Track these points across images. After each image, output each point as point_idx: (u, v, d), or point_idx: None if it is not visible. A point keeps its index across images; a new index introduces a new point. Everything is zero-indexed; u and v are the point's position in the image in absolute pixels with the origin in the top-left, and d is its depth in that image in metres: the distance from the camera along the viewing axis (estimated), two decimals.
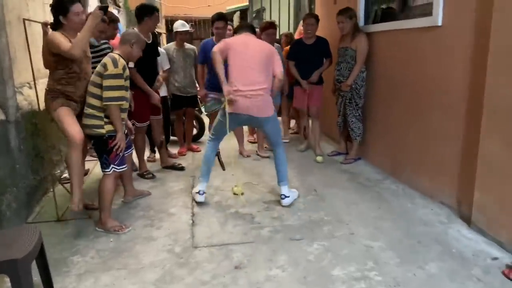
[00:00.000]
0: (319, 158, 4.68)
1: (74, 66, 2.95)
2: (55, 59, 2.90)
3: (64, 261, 2.63)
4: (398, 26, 3.87)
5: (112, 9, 8.46)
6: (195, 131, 5.71)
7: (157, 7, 4.00)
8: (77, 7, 2.93)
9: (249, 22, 9.53)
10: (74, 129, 2.93)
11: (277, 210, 3.38)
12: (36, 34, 3.53)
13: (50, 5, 2.96)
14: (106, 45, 3.76)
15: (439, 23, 3.27)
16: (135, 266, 2.58)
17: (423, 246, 2.77)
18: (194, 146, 5.34)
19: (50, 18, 3.74)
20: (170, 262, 2.62)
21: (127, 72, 2.98)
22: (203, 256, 2.69)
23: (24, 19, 3.14)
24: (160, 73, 4.42)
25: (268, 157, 4.79)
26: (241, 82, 3.27)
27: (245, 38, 3.47)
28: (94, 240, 2.94)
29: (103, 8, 2.95)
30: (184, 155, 5.01)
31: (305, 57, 4.65)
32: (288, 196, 3.45)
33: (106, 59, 2.90)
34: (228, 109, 3.27)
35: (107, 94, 2.84)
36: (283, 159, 3.51)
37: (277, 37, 5.91)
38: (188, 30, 4.92)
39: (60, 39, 2.84)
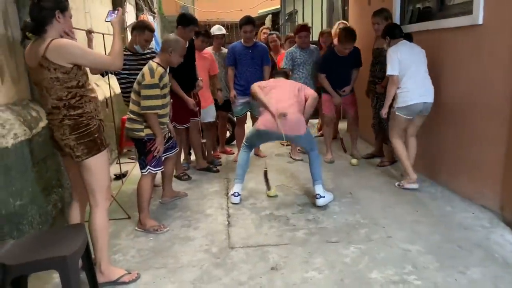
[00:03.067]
0: (354, 161, 4.64)
1: (84, 78, 2.30)
2: (66, 75, 2.18)
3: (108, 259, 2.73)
4: (436, 25, 3.78)
5: (148, 16, 8.71)
6: (228, 134, 5.77)
7: (195, 21, 4.07)
8: (70, 9, 2.32)
9: (280, 24, 9.56)
10: (108, 184, 2.45)
11: (312, 213, 3.37)
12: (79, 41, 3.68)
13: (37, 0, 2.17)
14: (151, 53, 3.87)
15: (480, 22, 3.19)
16: (174, 265, 2.64)
17: (464, 251, 2.70)
18: (228, 149, 5.41)
19: (92, 26, 3.91)
20: (208, 262, 2.67)
21: (165, 80, 3.07)
22: (239, 257, 2.73)
23: None
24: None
25: (301, 160, 4.79)
26: (276, 105, 3.46)
27: (277, 79, 3.83)
28: (134, 239, 3.03)
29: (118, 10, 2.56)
30: (219, 158, 5.08)
31: (337, 69, 4.59)
32: (323, 196, 3.45)
33: (145, 69, 3.02)
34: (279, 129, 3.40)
35: (144, 103, 2.96)
36: (317, 160, 3.53)
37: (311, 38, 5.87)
38: (224, 34, 5.00)
39: (87, 48, 2.40)
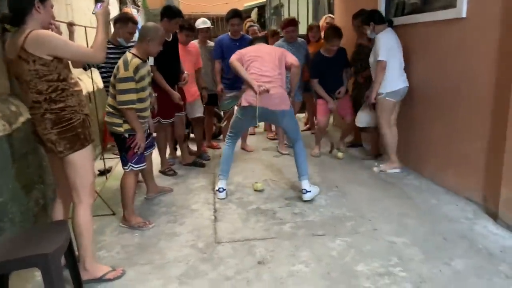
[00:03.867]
0: (340, 155, 4.65)
1: (65, 72, 2.22)
2: (46, 68, 2.10)
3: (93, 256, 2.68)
4: (421, 19, 3.80)
5: (131, 9, 8.57)
6: (214, 129, 5.73)
7: (180, 13, 4.01)
8: None
9: (266, 17, 9.52)
10: (92, 180, 2.39)
11: (298, 206, 3.37)
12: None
13: None
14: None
15: (464, 15, 3.21)
16: (160, 261, 2.61)
17: (448, 242, 2.73)
18: (214, 143, 5.38)
19: (74, 19, 3.82)
20: (194, 258, 2.64)
21: (142, 72, 2.91)
22: (226, 251, 2.71)
23: None
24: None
25: (288, 154, 4.78)
26: (259, 79, 3.35)
27: (257, 46, 3.64)
28: (119, 236, 2.99)
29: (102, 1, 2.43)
30: (206, 152, 5.04)
31: (328, 71, 4.51)
32: (310, 191, 3.44)
33: (120, 61, 2.90)
34: (258, 103, 3.30)
35: (119, 98, 2.85)
36: (302, 154, 3.50)
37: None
38: (209, 27, 4.94)
39: (68, 40, 2.30)
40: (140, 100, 2.96)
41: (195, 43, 4.75)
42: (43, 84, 2.12)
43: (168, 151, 4.60)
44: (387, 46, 3.81)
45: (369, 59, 4.06)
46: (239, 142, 4.91)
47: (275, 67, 3.43)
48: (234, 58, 3.51)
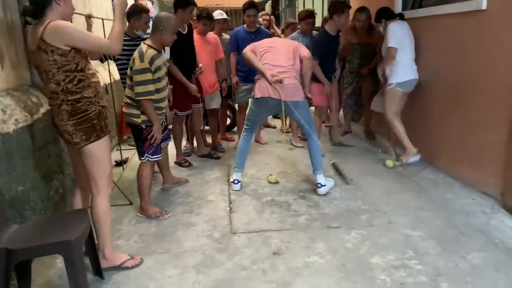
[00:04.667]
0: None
1: (83, 62, 2.26)
2: (64, 58, 2.14)
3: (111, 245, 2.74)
4: (439, 11, 3.75)
5: (146, 2, 8.61)
6: (229, 121, 5.76)
7: (193, 1, 4.02)
8: None
9: (281, 10, 9.46)
10: (110, 171, 2.43)
11: (313, 199, 3.38)
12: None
13: None
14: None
15: (484, 7, 3.15)
16: (177, 251, 2.66)
17: (465, 236, 2.71)
18: (228, 136, 5.40)
19: (92, 12, 3.86)
20: (210, 247, 2.68)
21: (157, 63, 2.92)
22: (242, 242, 2.74)
23: None
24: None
25: (302, 147, 4.78)
26: (271, 71, 3.36)
27: (270, 39, 3.72)
28: (136, 225, 3.04)
29: None
30: (220, 145, 5.06)
31: (330, 52, 4.35)
32: (324, 185, 3.45)
33: (135, 53, 2.91)
34: (272, 94, 3.33)
35: (136, 89, 2.88)
36: (317, 147, 3.49)
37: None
38: (226, 18, 4.95)
39: (86, 31, 2.38)
40: (158, 91, 2.98)
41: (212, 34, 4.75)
42: (61, 74, 2.16)
43: (184, 142, 4.64)
44: (397, 35, 3.85)
45: (382, 48, 4.10)
46: None
47: (289, 58, 3.43)
48: (247, 49, 3.54)
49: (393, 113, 3.99)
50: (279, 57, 3.41)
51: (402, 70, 3.89)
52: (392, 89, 3.94)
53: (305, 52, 3.50)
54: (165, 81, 3.10)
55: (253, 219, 3.06)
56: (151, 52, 2.91)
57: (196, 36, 4.47)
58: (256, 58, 3.46)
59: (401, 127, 4.01)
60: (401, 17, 4.04)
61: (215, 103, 4.72)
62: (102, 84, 4.50)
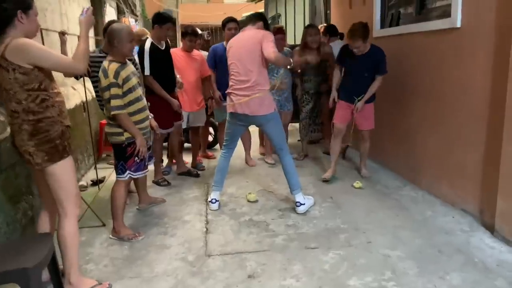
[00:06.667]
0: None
1: (47, 81, 2.16)
2: (26, 77, 2.06)
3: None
4: (416, 29, 3.78)
5: (129, 18, 8.59)
6: (210, 139, 5.69)
7: (173, 19, 3.99)
8: (35, 7, 2.18)
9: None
10: (75, 192, 2.33)
11: (292, 218, 3.31)
12: (54, 43, 3.58)
13: None
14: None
15: (458, 25, 3.19)
16: (148, 275, 2.55)
17: (444, 256, 2.67)
18: (209, 153, 5.33)
19: (69, 29, 3.79)
20: (183, 271, 2.58)
21: (123, 74, 2.83)
22: (216, 264, 2.65)
23: (41, 29, 3.16)
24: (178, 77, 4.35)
25: (274, 163, 4.71)
26: (233, 82, 3.34)
27: (241, 35, 3.42)
28: (108, 248, 2.93)
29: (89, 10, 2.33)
30: (201, 162, 4.98)
31: (351, 69, 4.00)
32: (303, 204, 3.39)
33: (100, 72, 2.85)
34: (239, 110, 3.31)
35: (107, 106, 2.83)
36: (291, 167, 3.42)
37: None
38: (201, 34, 4.92)
39: (48, 49, 2.17)
40: (131, 103, 2.90)
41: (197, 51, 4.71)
42: (23, 93, 2.08)
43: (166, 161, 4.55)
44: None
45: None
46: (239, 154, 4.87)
47: (253, 64, 3.23)
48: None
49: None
50: (243, 68, 3.26)
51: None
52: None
53: (266, 53, 3.14)
54: (139, 91, 2.98)
55: (229, 241, 2.97)
56: (114, 66, 2.82)
57: (181, 53, 4.46)
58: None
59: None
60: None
61: (200, 120, 4.66)
62: (80, 101, 4.43)
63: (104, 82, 2.80)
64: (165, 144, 4.57)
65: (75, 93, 4.55)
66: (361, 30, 3.71)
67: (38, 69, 2.09)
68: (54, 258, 2.11)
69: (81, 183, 4.24)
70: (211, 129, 5.58)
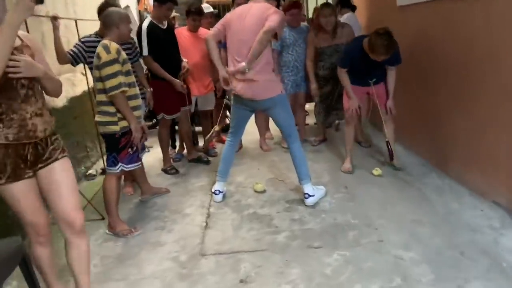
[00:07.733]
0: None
1: None
2: None
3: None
4: None
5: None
6: (228, 122, 5.45)
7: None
8: None
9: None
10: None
11: (298, 211, 3.04)
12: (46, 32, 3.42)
13: None
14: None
15: None
16: (135, 277, 2.39)
17: (466, 259, 2.32)
18: (224, 137, 5.10)
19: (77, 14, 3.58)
20: (172, 273, 2.40)
21: (124, 55, 2.72)
22: (208, 266, 2.45)
23: (38, 15, 2.99)
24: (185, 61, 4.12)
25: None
26: (234, 62, 2.97)
27: (244, 8, 2.98)
28: (101, 245, 2.80)
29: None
30: (214, 148, 4.77)
31: (363, 65, 3.42)
32: (313, 195, 3.10)
33: (98, 49, 2.67)
34: (242, 93, 2.99)
35: (107, 84, 2.63)
36: (300, 155, 3.14)
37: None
38: (212, 12, 4.65)
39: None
40: (129, 85, 2.74)
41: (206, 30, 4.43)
42: None
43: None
44: None
45: None
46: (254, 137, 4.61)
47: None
48: (210, 36, 2.99)
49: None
50: (245, 47, 2.86)
51: None
52: None
53: (268, 23, 2.75)
54: (133, 77, 2.83)
55: (227, 238, 2.76)
56: (115, 45, 2.69)
57: (186, 33, 4.22)
58: (216, 52, 2.99)
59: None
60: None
61: (209, 104, 4.45)
62: (81, 90, 4.27)
63: (105, 57, 2.61)
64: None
65: (82, 78, 4.41)
66: (394, 45, 3.17)
67: None
68: (25, 262, 1.96)
69: (90, 171, 4.16)
70: (228, 113, 5.34)
